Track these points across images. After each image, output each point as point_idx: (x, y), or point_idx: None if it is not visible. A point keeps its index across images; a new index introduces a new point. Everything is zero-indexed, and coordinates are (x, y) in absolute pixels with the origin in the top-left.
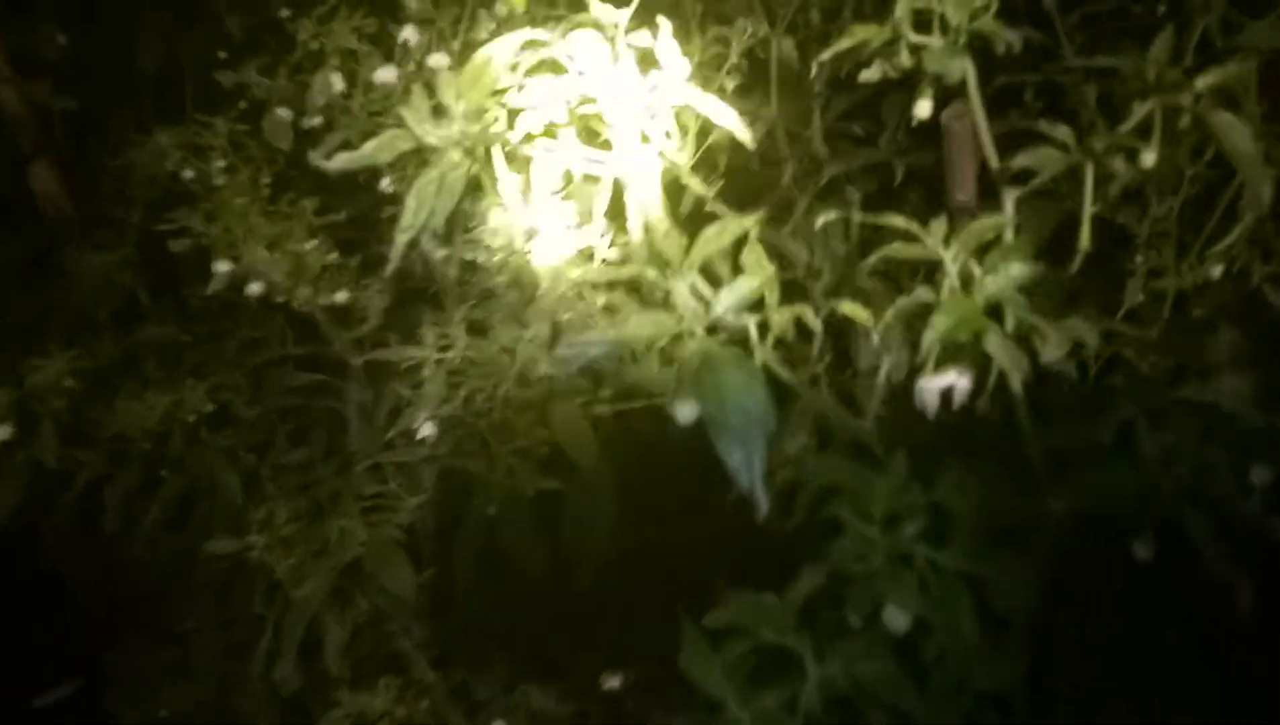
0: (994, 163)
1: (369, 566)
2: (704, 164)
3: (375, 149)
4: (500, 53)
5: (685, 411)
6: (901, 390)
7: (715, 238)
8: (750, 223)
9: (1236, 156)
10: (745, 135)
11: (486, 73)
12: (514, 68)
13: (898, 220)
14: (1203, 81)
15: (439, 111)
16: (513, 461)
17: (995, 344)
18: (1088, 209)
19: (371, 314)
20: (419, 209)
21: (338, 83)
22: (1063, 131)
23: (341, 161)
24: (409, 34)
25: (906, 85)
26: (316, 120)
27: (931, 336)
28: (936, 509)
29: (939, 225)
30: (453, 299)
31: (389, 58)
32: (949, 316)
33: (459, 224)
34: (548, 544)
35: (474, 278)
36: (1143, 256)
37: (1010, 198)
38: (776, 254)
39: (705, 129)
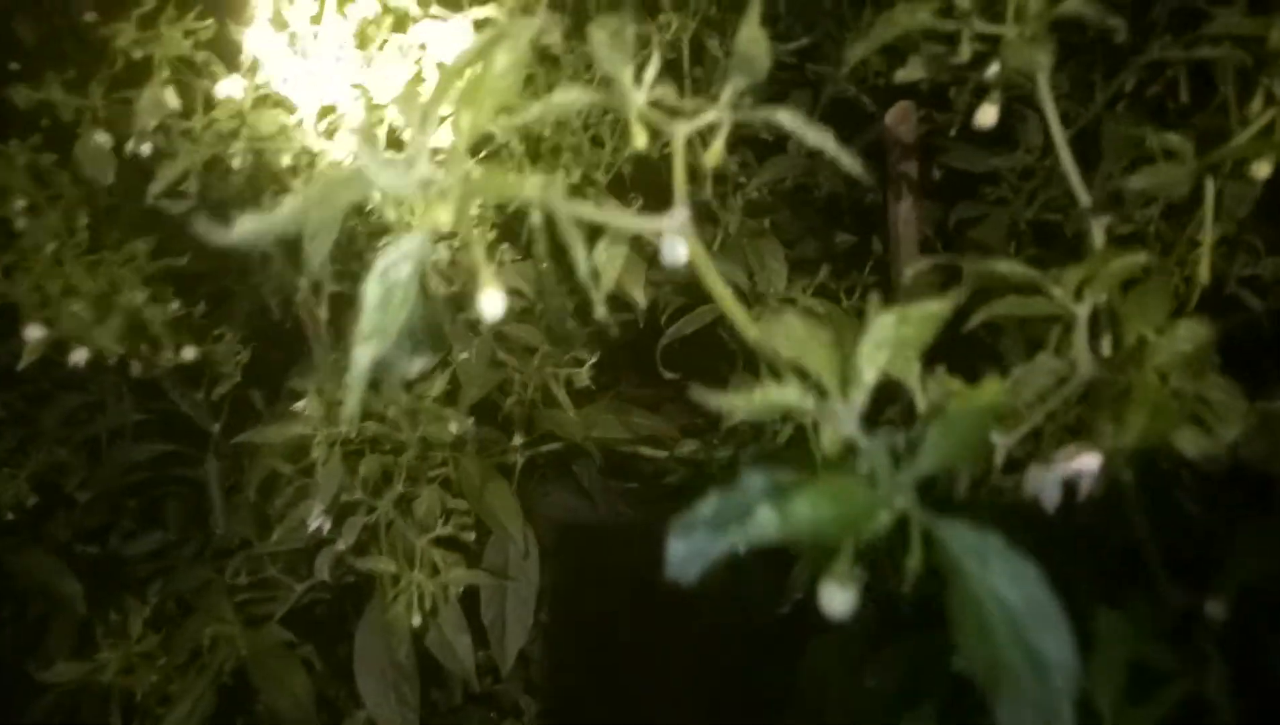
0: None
1: (253, 679)
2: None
3: (304, 211)
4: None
5: (840, 602)
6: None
7: (893, 330)
8: (945, 309)
9: None
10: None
11: (492, 83)
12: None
13: (1017, 269)
14: None
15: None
16: (430, 552)
17: (1191, 439)
18: (1209, 236)
19: (229, 371)
20: (386, 305)
21: (171, 99)
22: (1177, 140)
23: (248, 233)
24: (256, 38)
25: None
26: (146, 146)
27: (1129, 438)
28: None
29: (1069, 271)
30: (323, 347)
31: (234, 66)
32: (1142, 410)
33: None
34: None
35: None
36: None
37: (1101, 230)
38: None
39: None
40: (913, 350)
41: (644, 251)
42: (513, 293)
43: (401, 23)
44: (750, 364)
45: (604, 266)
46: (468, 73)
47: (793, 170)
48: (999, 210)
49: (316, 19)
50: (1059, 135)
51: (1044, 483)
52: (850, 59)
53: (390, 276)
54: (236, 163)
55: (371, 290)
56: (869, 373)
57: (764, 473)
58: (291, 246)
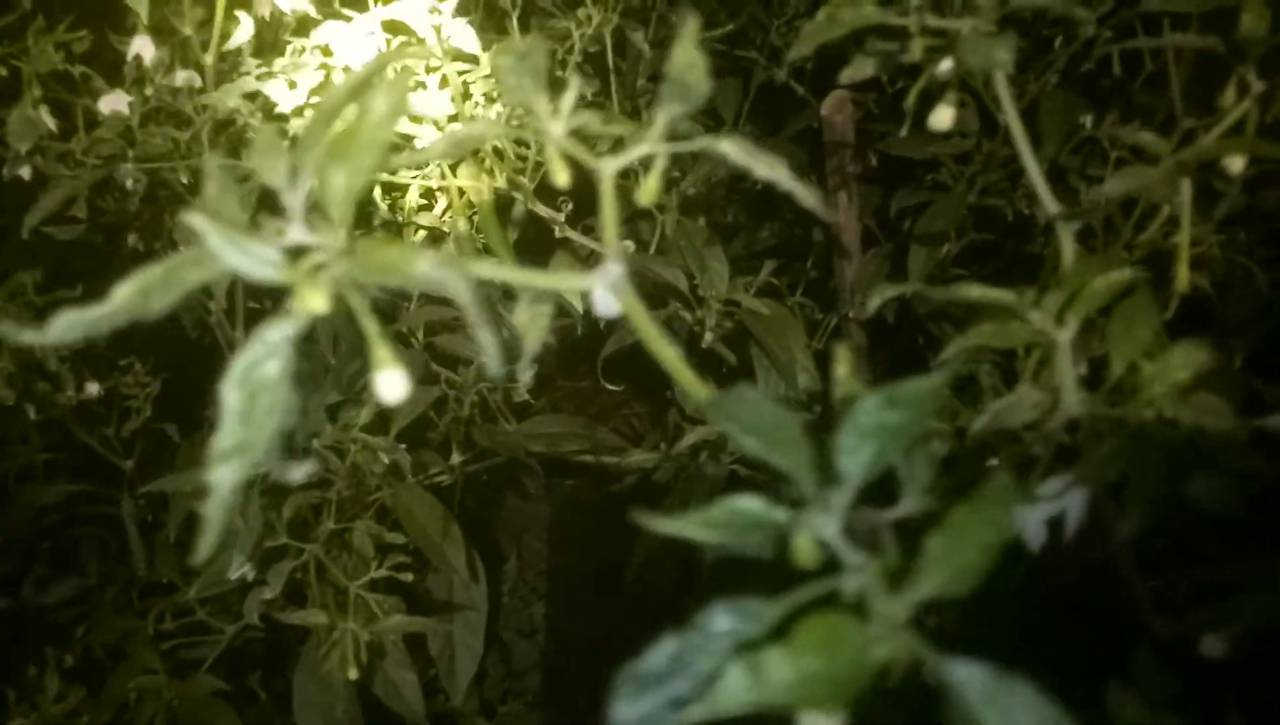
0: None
1: None
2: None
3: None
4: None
5: None
6: None
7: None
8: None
9: None
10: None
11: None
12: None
13: (991, 293)
14: None
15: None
16: (367, 598)
17: (1204, 482)
18: (1184, 240)
19: (138, 404)
20: (250, 414)
21: (46, 119)
22: (1150, 138)
23: (72, 330)
24: (141, 47)
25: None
26: (22, 170)
27: (1143, 498)
28: None
29: (1050, 295)
30: None
31: (115, 81)
32: (1152, 463)
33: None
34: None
35: None
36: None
37: (1070, 235)
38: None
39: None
40: (904, 438)
41: (580, 255)
42: (443, 303)
43: (303, 25)
44: (699, 367)
45: (526, 327)
46: (340, 120)
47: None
48: (940, 196)
49: (205, 25)
50: (1021, 140)
51: (1028, 521)
52: (794, 57)
53: (254, 378)
54: (129, 184)
55: (230, 396)
56: (853, 470)
57: (730, 613)
58: None
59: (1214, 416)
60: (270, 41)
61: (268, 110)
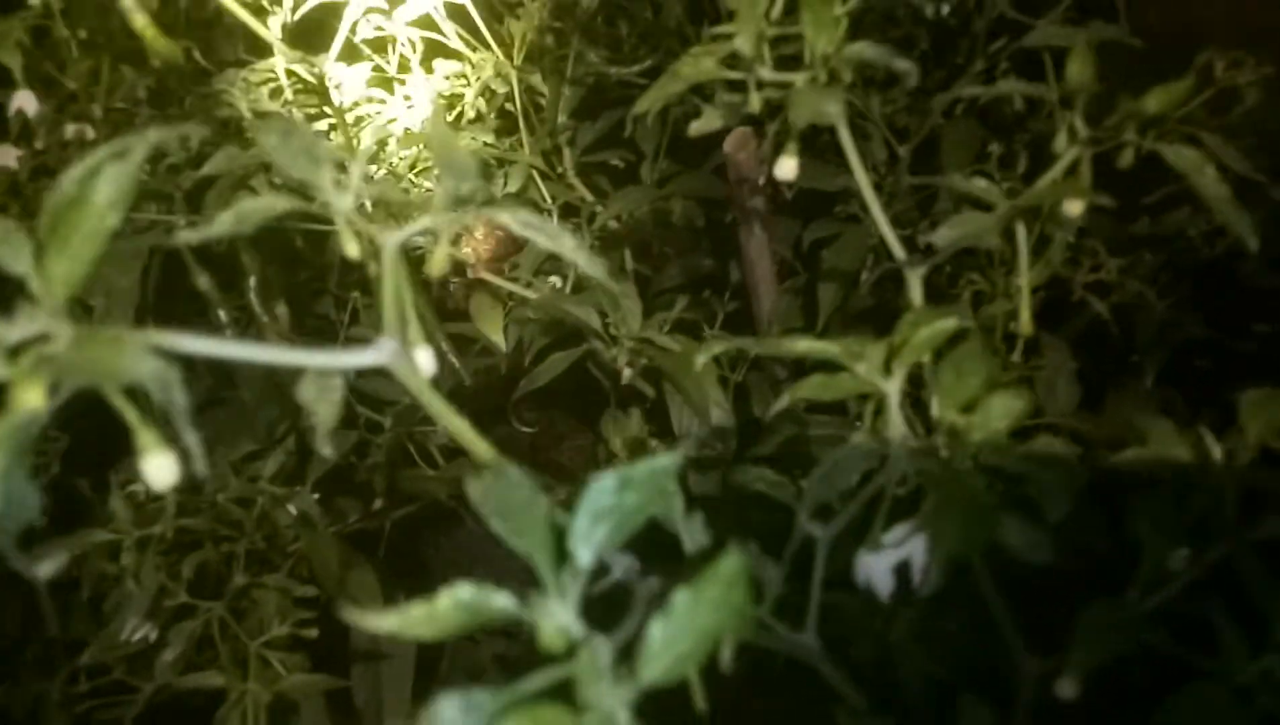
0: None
1: None
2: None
3: None
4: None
5: None
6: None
7: None
8: (670, 467)
9: (1211, 200)
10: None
11: None
12: None
13: (816, 346)
14: (1151, 104)
15: None
16: (269, 656)
17: (1016, 532)
18: (1026, 284)
19: (46, 460)
20: None
21: None
22: (983, 186)
23: None
24: (23, 101)
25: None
26: None
27: (944, 553)
28: None
29: (872, 346)
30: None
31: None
32: (956, 516)
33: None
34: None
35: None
36: (964, 280)
37: (918, 280)
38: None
39: None
40: (639, 519)
41: (500, 295)
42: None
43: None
44: (622, 401)
45: (315, 403)
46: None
47: (646, 199)
48: (851, 227)
49: (94, 77)
50: (866, 186)
51: (874, 570)
52: (636, 112)
53: None
54: None
55: None
56: (584, 554)
57: (456, 704)
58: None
59: (1044, 462)
60: (172, 90)
61: (156, 159)
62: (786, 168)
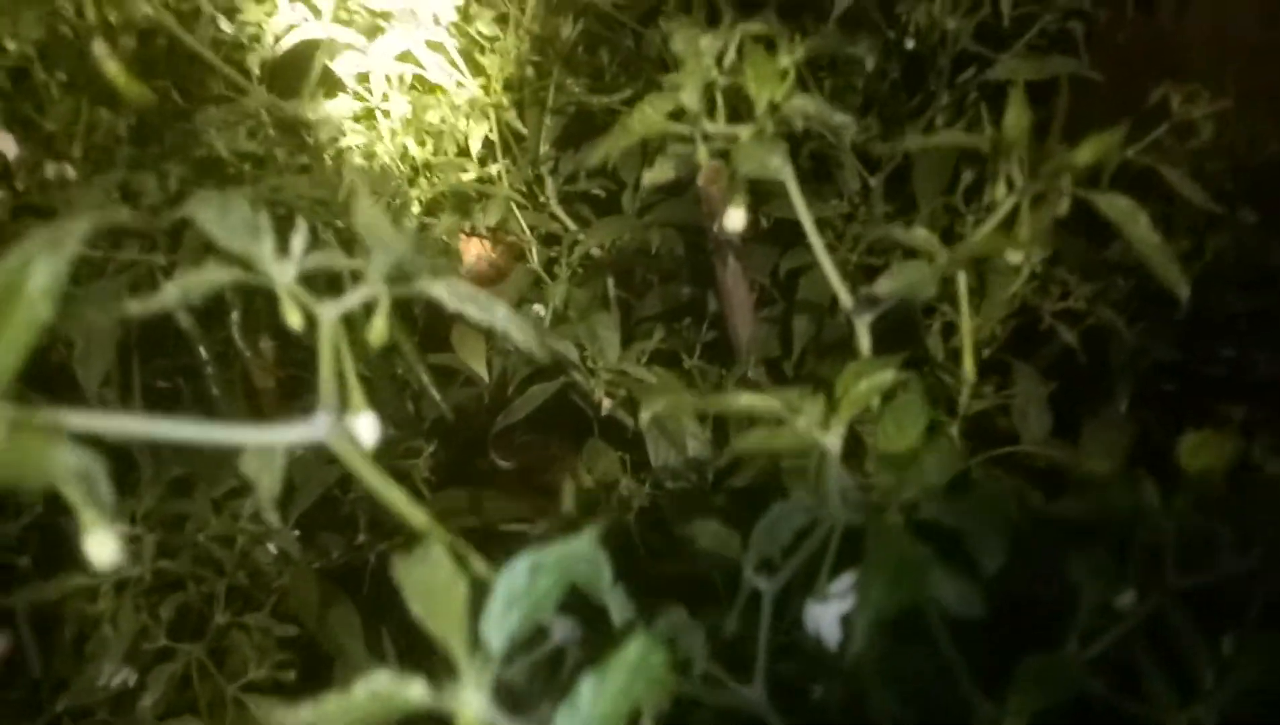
0: None
1: None
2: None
3: None
4: None
5: None
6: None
7: None
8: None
9: (1142, 249)
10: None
11: None
12: None
13: (757, 402)
14: (1083, 156)
15: None
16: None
17: (947, 586)
18: (967, 332)
19: (28, 498)
20: None
21: None
22: (923, 237)
23: None
24: (3, 145)
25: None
26: None
27: (868, 613)
28: None
29: (810, 400)
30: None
31: None
32: (882, 574)
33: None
34: None
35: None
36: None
37: (865, 327)
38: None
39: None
40: (551, 602)
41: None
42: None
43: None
44: (605, 430)
45: (258, 476)
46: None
47: (626, 228)
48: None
49: (69, 120)
50: (814, 236)
51: (822, 620)
52: (591, 165)
53: None
54: None
55: None
56: (496, 640)
57: None
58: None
59: (980, 515)
60: (152, 128)
61: (135, 198)
62: (735, 219)
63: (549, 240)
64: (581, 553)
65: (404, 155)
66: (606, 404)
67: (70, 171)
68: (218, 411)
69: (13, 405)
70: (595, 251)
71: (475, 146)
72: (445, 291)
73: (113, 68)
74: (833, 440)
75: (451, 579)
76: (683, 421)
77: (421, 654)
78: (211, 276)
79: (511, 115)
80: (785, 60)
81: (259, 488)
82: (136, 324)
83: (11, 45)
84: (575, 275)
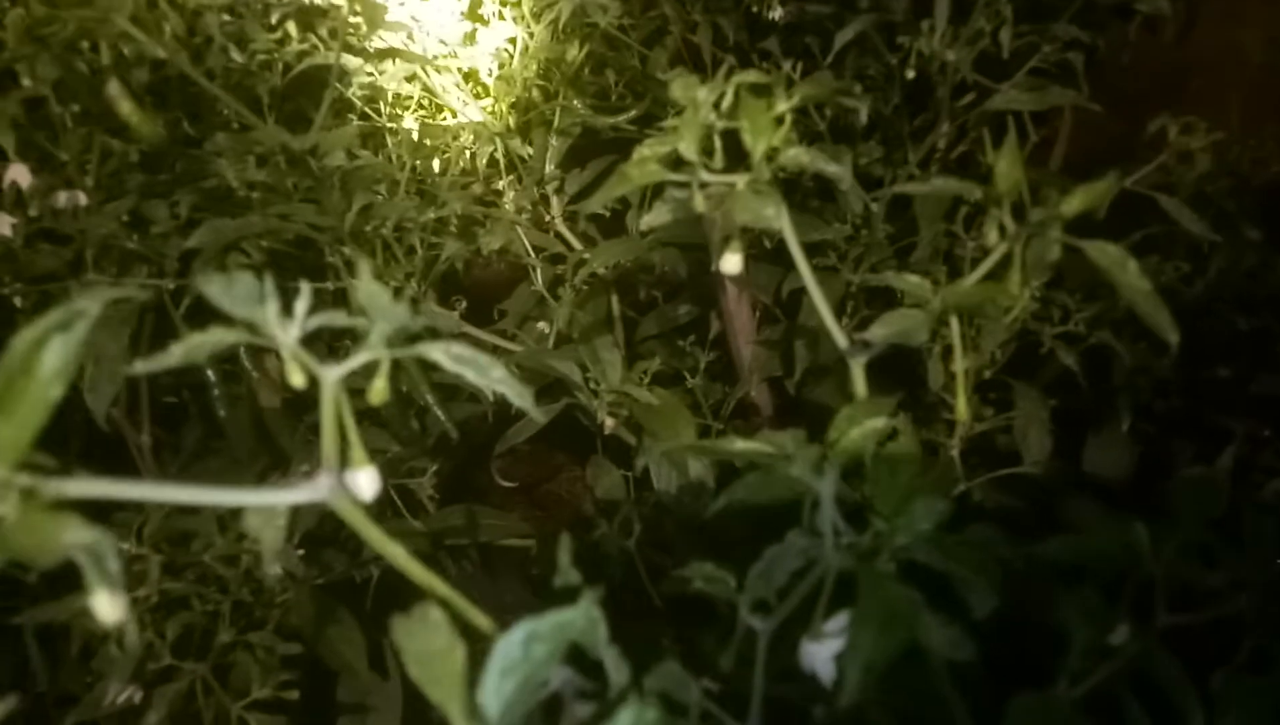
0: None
1: None
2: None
3: None
4: None
5: None
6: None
7: None
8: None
9: (1131, 296)
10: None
11: None
12: None
13: (751, 447)
14: (1070, 206)
15: None
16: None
17: (937, 632)
18: (960, 373)
19: None
20: None
21: None
22: (914, 282)
23: None
24: (17, 174)
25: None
26: None
27: (859, 662)
28: None
29: (804, 447)
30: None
31: None
32: (873, 622)
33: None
34: None
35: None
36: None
37: (860, 367)
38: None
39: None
40: (547, 669)
41: (486, 344)
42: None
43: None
44: (608, 446)
45: (261, 532)
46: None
47: (631, 250)
48: (830, 277)
49: (82, 149)
50: (810, 281)
51: (817, 658)
52: (588, 211)
53: None
54: (18, 302)
55: None
56: (493, 707)
57: None
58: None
59: (971, 560)
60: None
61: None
62: (731, 263)
63: (554, 259)
64: (571, 623)
65: (411, 177)
66: (609, 424)
67: (82, 199)
68: (224, 429)
69: (26, 475)
70: (600, 270)
71: (481, 167)
72: (443, 354)
73: (126, 107)
74: (826, 486)
75: (450, 644)
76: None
77: None
78: (218, 337)
79: (517, 138)
80: (781, 107)
81: (263, 543)
82: (145, 345)
83: (26, 82)
84: (578, 293)
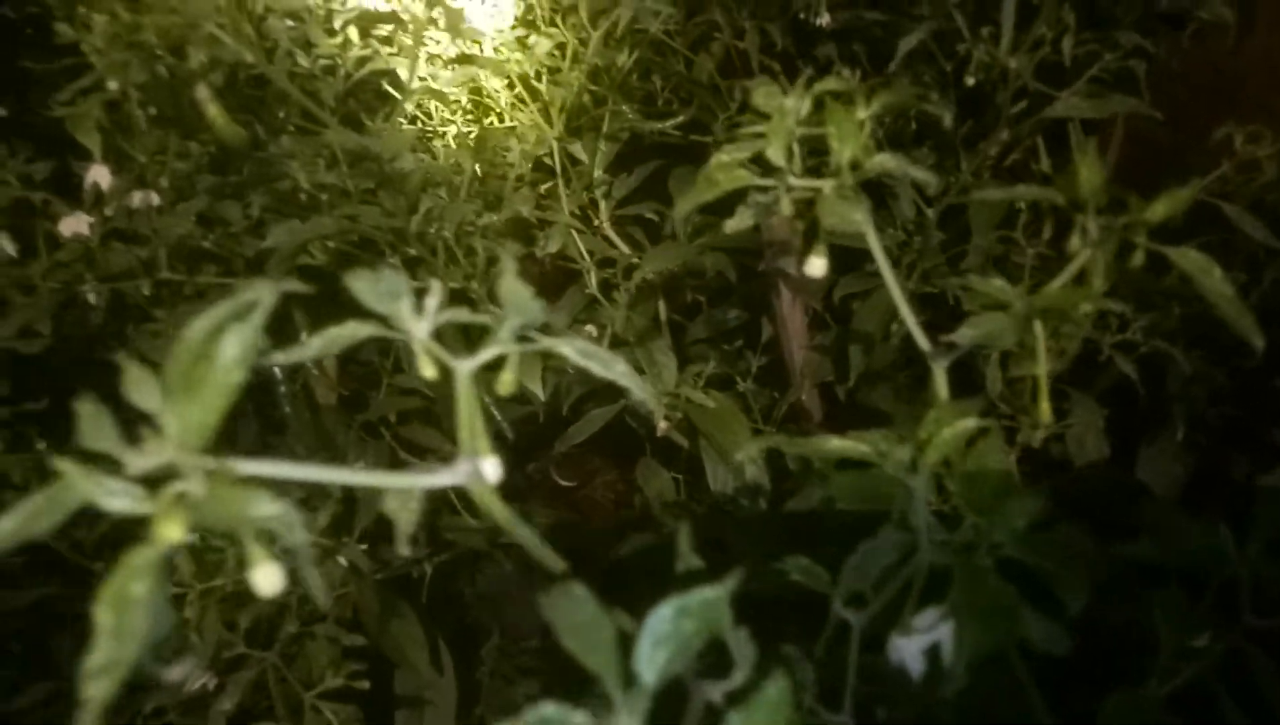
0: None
1: None
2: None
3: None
4: None
5: None
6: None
7: None
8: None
9: (1216, 301)
10: None
11: None
12: None
13: (847, 444)
14: (1157, 212)
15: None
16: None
17: (1035, 625)
18: (1042, 376)
19: None
20: (122, 633)
21: (5, 244)
22: (998, 286)
23: None
24: (99, 175)
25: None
26: None
27: (967, 652)
28: None
29: (896, 444)
30: None
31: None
32: (976, 616)
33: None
34: None
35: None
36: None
37: (943, 373)
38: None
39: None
40: (697, 644)
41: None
42: (411, 392)
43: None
44: (657, 450)
45: (397, 514)
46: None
47: (681, 256)
48: (881, 283)
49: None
50: (894, 286)
51: (906, 652)
52: (678, 216)
53: (123, 599)
54: (92, 299)
55: (102, 616)
56: (649, 676)
57: None
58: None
59: (1063, 557)
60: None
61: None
62: (816, 266)
63: (602, 262)
64: (718, 599)
65: (470, 181)
66: (663, 427)
67: (155, 199)
68: (285, 426)
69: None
70: (649, 275)
71: (527, 172)
72: (570, 350)
73: (214, 110)
74: (920, 483)
75: (598, 616)
76: (740, 446)
77: (473, 663)
78: (353, 331)
79: (575, 142)
80: (862, 114)
81: (397, 524)
82: None
83: (112, 86)
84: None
